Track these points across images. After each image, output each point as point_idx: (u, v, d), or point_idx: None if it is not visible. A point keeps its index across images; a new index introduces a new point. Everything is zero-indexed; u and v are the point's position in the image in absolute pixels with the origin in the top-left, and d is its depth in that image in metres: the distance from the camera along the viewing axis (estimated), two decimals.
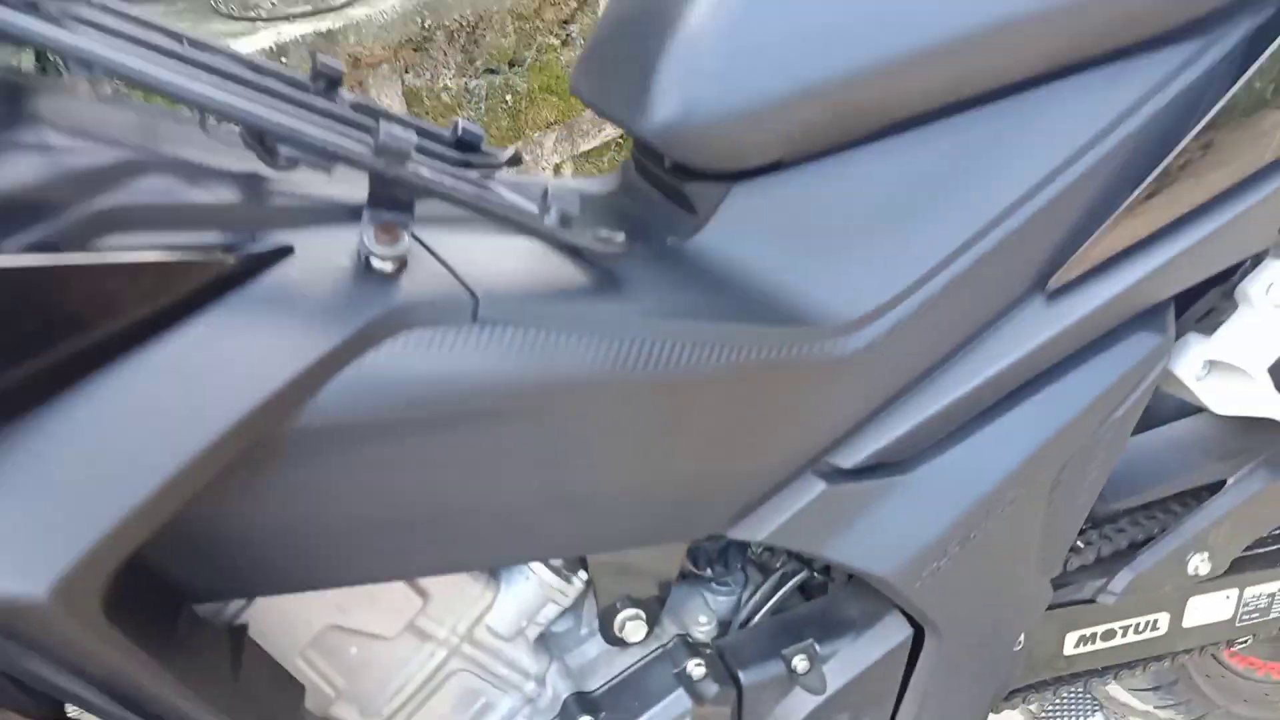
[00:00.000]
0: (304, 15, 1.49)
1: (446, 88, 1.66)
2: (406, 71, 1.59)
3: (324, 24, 1.46)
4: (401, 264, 0.51)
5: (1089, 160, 0.58)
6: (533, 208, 0.55)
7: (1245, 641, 0.92)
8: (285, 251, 0.49)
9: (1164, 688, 1.01)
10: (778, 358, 0.57)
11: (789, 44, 0.56)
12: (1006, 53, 0.57)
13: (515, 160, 0.61)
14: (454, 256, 0.54)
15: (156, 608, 0.48)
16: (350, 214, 0.53)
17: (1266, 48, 0.57)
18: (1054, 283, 0.61)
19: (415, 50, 1.59)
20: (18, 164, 0.46)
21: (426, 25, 1.59)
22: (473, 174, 0.54)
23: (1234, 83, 0.57)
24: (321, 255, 0.50)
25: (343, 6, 1.53)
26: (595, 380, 0.54)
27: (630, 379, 0.55)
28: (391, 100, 1.56)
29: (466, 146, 0.61)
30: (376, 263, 0.50)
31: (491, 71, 1.73)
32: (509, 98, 1.77)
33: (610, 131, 1.97)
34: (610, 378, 0.54)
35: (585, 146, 1.94)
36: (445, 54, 1.65)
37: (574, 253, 0.57)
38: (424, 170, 0.51)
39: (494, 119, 1.75)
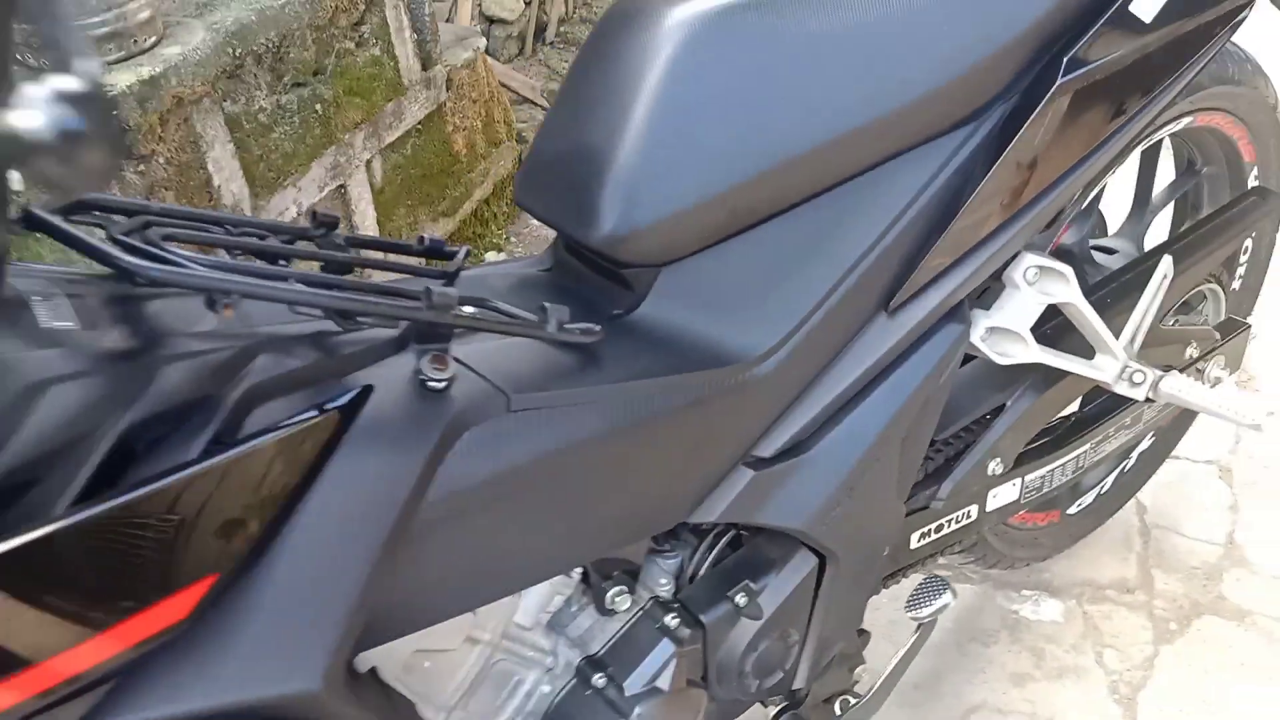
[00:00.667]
0: (120, 61, 1.52)
1: (262, 109, 1.73)
2: (225, 100, 1.65)
3: (144, 70, 1.50)
4: (451, 381, 0.68)
5: (907, 217, 0.82)
6: (534, 318, 0.73)
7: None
8: (368, 390, 0.65)
9: (979, 557, 1.33)
10: (716, 391, 0.79)
11: (694, 167, 0.76)
12: (845, 155, 0.79)
13: (468, 254, 0.78)
14: (483, 365, 0.71)
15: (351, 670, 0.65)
16: (395, 347, 0.69)
17: (1018, 129, 0.82)
18: (893, 304, 0.85)
19: (230, 78, 1.65)
20: (170, 372, 0.59)
21: (237, 53, 1.64)
22: (492, 304, 0.71)
23: (1000, 153, 0.82)
24: (393, 387, 0.66)
25: (151, 47, 1.56)
26: (596, 436, 0.74)
27: (620, 429, 0.74)
28: (216, 130, 1.62)
29: (433, 252, 0.78)
30: (433, 385, 0.67)
31: (299, 85, 1.80)
32: (318, 106, 1.84)
33: (409, 121, 2.08)
34: (607, 432, 0.74)
35: (389, 139, 2.04)
36: (256, 76, 1.71)
37: (565, 345, 0.75)
38: (465, 310, 0.68)
39: (308, 129, 1.82)
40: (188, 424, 0.57)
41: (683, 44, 0.75)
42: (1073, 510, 1.43)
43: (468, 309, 0.68)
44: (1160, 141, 1.21)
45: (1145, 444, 1.46)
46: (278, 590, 0.57)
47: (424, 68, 2.07)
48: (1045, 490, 1.14)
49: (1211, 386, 1.22)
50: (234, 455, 0.56)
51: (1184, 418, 1.48)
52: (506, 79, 2.48)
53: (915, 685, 1.37)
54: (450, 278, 0.72)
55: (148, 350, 0.58)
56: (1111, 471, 1.45)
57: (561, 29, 2.89)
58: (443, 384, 0.67)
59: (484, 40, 2.29)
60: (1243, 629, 1.42)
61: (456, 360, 0.70)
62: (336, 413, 0.62)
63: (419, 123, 2.11)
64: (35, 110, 0.45)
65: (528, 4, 2.72)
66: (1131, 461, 1.47)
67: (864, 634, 1.08)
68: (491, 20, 2.63)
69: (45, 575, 0.49)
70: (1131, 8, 0.83)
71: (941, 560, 1.21)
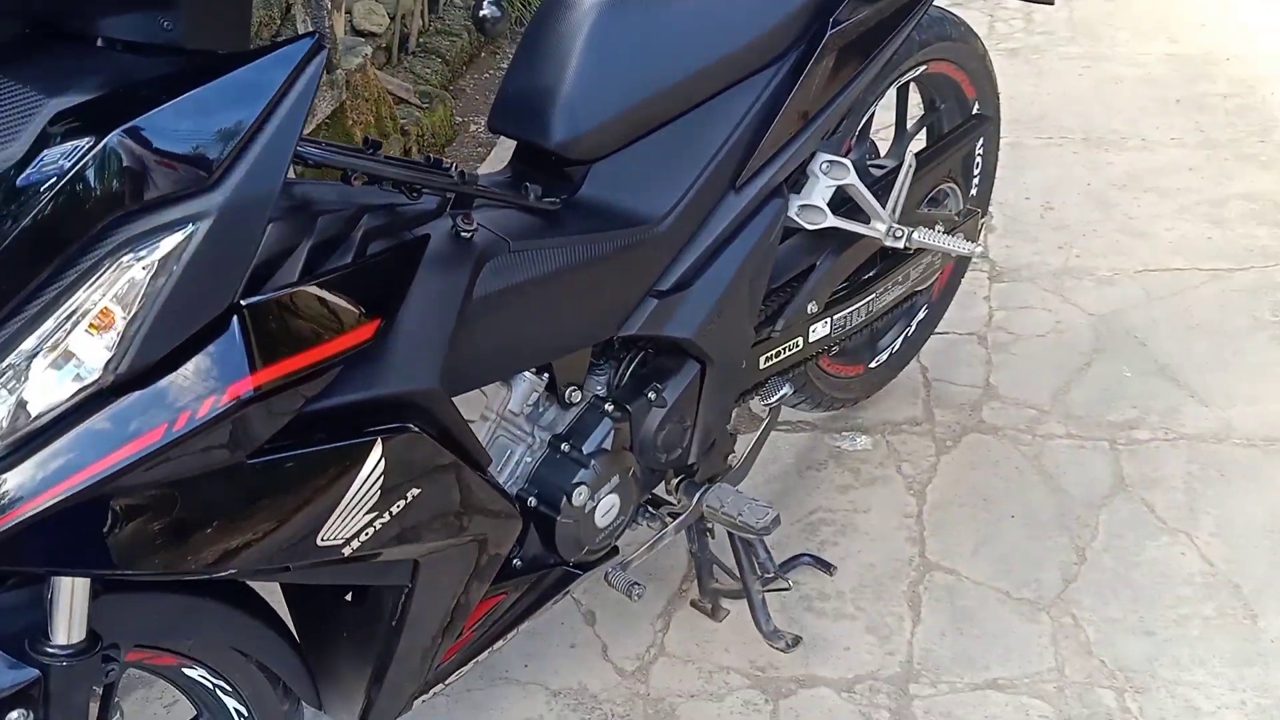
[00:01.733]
0: None
1: None
2: None
3: None
4: (474, 232, 1.10)
5: (745, 123, 1.29)
6: (520, 193, 1.15)
7: (834, 351, 1.73)
8: (427, 238, 1.06)
9: (798, 391, 1.81)
10: (630, 242, 1.23)
11: (613, 91, 1.20)
12: (707, 81, 1.25)
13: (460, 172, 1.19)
14: (492, 225, 1.13)
15: None
16: (438, 213, 1.10)
17: (806, 64, 1.29)
18: (739, 183, 1.31)
19: None
20: (328, 218, 0.98)
21: None
22: (495, 179, 1.13)
23: (797, 79, 1.29)
24: (442, 236, 1.07)
25: None
26: (560, 269, 1.17)
27: (573, 266, 1.18)
28: None
29: (435, 164, 1.19)
30: (464, 234, 1.09)
31: None
32: None
33: (319, 117, 2.43)
34: (565, 267, 1.17)
35: (305, 131, 2.39)
36: None
37: (537, 211, 1.18)
38: (480, 183, 1.10)
39: None
40: (344, 242, 0.97)
41: (607, 7, 1.19)
42: (873, 364, 1.94)
43: (484, 184, 1.11)
44: (908, 84, 1.72)
45: (921, 314, 1.98)
46: (409, 335, 0.98)
47: (328, 71, 2.43)
48: (848, 328, 1.63)
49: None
50: (374, 261, 0.97)
51: (946, 296, 2.02)
52: (385, 82, 2.84)
53: (769, 501, 1.84)
54: (464, 174, 1.14)
55: (314, 204, 0.98)
56: (899, 336, 1.97)
57: (421, 40, 3.26)
58: (470, 234, 1.09)
59: (370, 48, 2.66)
60: (996, 439, 1.96)
61: (478, 221, 1.11)
62: (415, 245, 1.03)
63: (326, 118, 2.47)
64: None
65: (391, 18, 3.09)
66: (913, 328, 1.99)
67: (734, 435, 1.54)
68: (360, 33, 2.97)
69: (306, 310, 0.88)
70: None
71: (783, 389, 1.67)
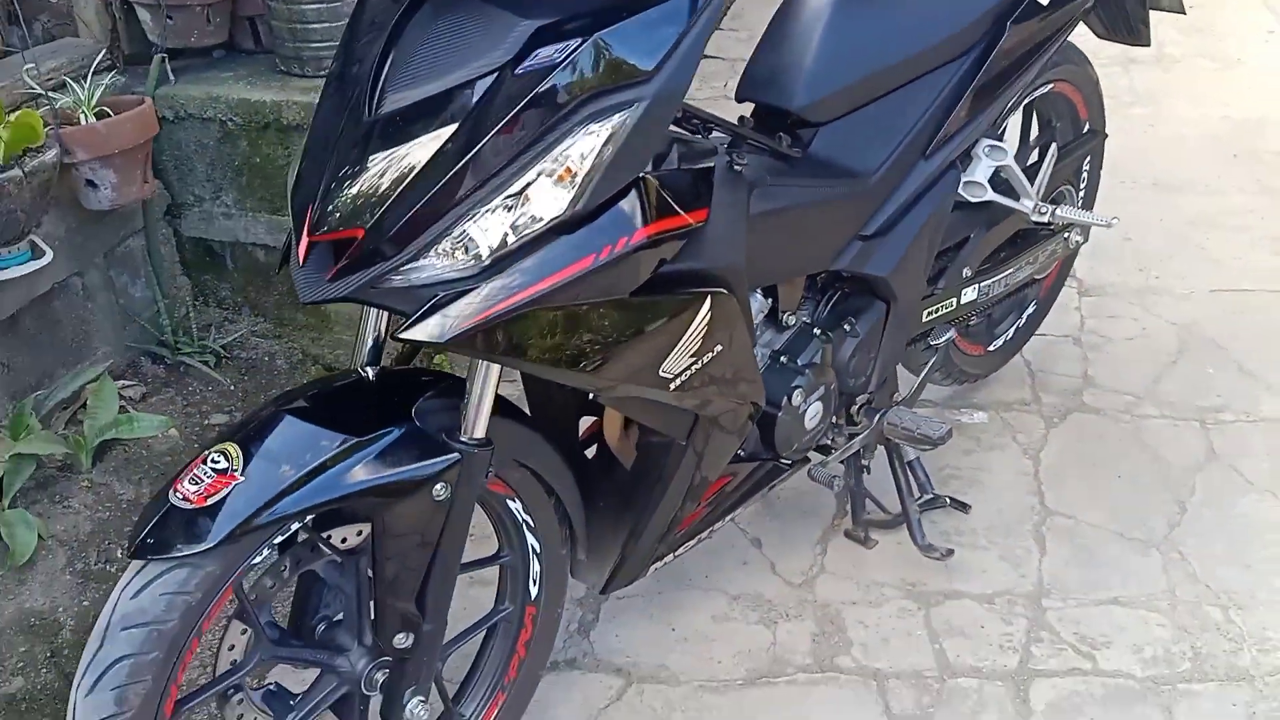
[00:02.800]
0: None
1: None
2: None
3: None
4: (746, 166, 1.41)
5: (937, 103, 1.61)
6: (776, 141, 1.47)
7: (972, 322, 2.03)
8: (713, 164, 1.37)
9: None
10: (847, 190, 1.54)
11: (841, 68, 1.52)
12: (916, 64, 1.57)
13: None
14: (756, 167, 1.44)
15: None
16: (713, 152, 1.41)
17: (985, 60, 1.62)
18: (928, 152, 1.62)
19: None
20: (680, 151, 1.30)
21: None
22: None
23: (978, 73, 1.62)
24: (722, 167, 1.38)
25: None
26: (800, 204, 1.48)
27: (808, 204, 1.49)
28: None
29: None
30: (738, 167, 1.40)
31: None
32: None
33: None
34: (803, 203, 1.48)
35: None
36: None
37: (785, 157, 1.49)
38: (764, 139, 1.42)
39: None
40: (666, 158, 1.28)
41: (838, 4, 1.52)
42: (991, 348, 2.24)
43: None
44: (1034, 102, 2.05)
45: (1030, 309, 2.28)
46: (721, 228, 1.28)
47: None
48: (991, 296, 1.94)
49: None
50: (695, 170, 1.28)
51: (1050, 295, 2.32)
52: None
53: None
54: (743, 119, 1.45)
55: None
56: (1011, 326, 2.27)
57: None
58: (742, 169, 1.40)
59: None
60: (1098, 417, 2.24)
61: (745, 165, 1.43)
62: (712, 165, 1.34)
63: None
64: None
65: None
66: (1023, 320, 2.29)
67: (897, 384, 1.84)
68: None
69: (673, 188, 1.19)
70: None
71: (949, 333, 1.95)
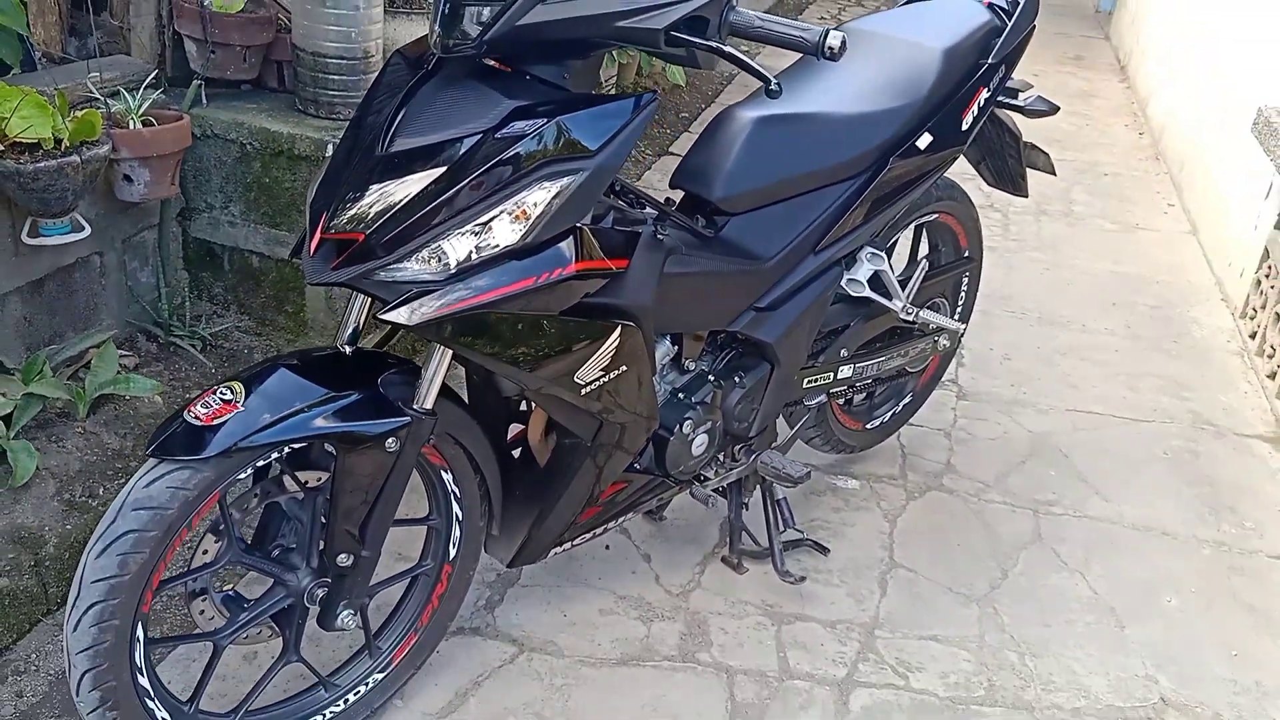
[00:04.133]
0: None
1: None
2: None
3: None
4: (667, 236, 1.79)
5: (827, 213, 2.01)
6: (694, 221, 1.86)
7: (846, 401, 2.42)
8: (639, 230, 1.75)
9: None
10: (747, 270, 1.93)
11: (760, 172, 1.92)
12: (813, 179, 1.97)
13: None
14: (674, 234, 1.83)
15: None
16: (642, 220, 1.80)
17: (868, 186, 2.03)
18: (818, 249, 2.03)
19: None
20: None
21: None
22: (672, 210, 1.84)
23: (860, 194, 2.03)
24: (648, 233, 1.77)
25: None
26: (704, 271, 1.86)
27: (711, 274, 1.87)
28: None
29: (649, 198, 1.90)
30: (660, 236, 1.78)
31: None
32: None
33: None
34: (707, 275, 1.87)
35: None
36: None
37: (700, 235, 1.88)
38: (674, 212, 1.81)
39: None
40: (605, 217, 1.66)
41: (759, 120, 1.92)
42: (869, 426, 2.63)
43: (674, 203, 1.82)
44: (923, 226, 2.48)
45: (907, 398, 2.68)
46: (637, 277, 1.65)
47: None
48: (863, 376, 2.33)
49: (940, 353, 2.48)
50: (624, 230, 1.65)
51: (926, 390, 2.73)
52: None
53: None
54: (669, 200, 1.84)
55: None
56: (890, 410, 2.66)
57: None
58: (664, 237, 1.78)
59: None
60: (951, 497, 2.63)
61: (669, 231, 1.81)
62: (638, 230, 1.72)
63: None
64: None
65: None
66: (900, 407, 2.68)
67: (775, 432, 2.21)
68: None
69: (601, 241, 1.56)
70: (918, 142, 2.07)
71: (820, 398, 2.33)
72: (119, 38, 2.65)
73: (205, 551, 1.56)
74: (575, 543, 1.97)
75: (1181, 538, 2.56)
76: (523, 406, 1.90)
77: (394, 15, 2.71)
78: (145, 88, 2.30)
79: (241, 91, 2.65)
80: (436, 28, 1.52)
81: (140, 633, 1.48)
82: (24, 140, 1.95)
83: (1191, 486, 2.75)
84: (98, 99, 2.22)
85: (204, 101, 2.53)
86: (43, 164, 1.95)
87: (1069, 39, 7.31)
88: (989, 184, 2.59)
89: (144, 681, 1.50)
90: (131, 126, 2.21)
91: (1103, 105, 5.96)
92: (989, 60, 2.18)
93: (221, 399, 1.47)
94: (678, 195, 1.98)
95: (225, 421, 1.45)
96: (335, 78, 2.52)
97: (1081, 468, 2.79)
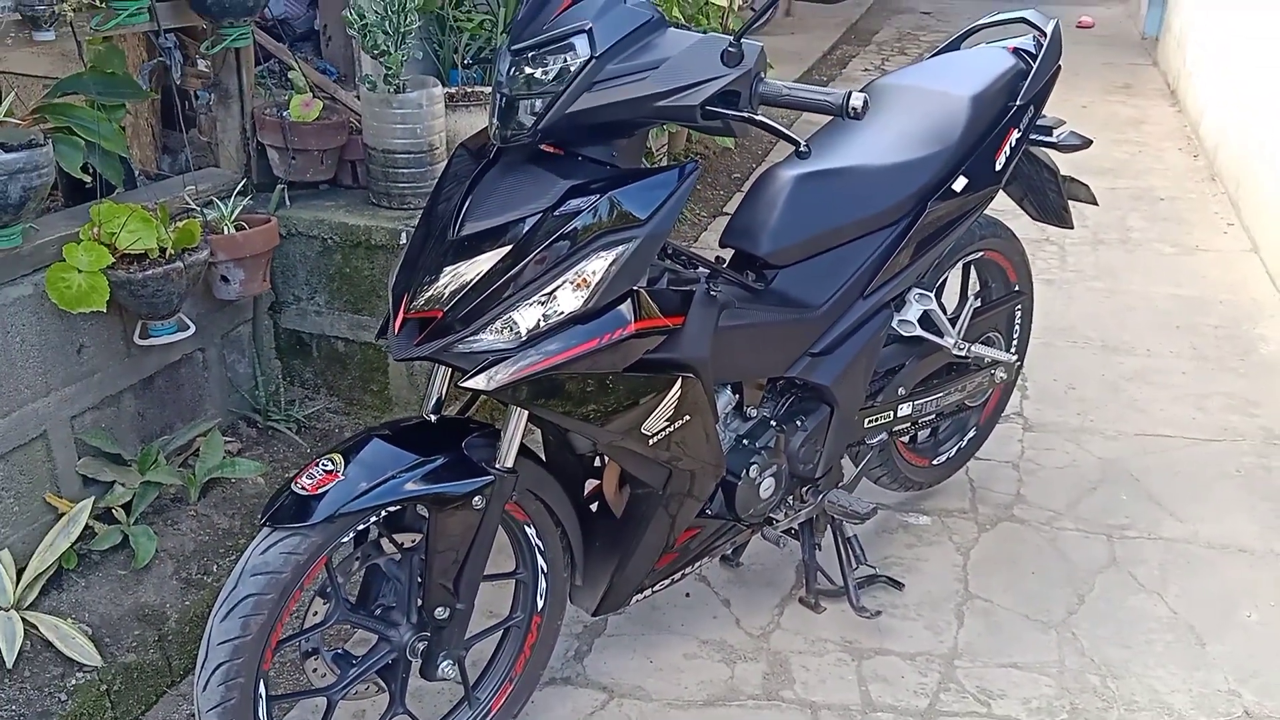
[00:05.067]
0: None
1: None
2: None
3: None
4: (721, 292, 1.91)
5: (873, 258, 2.11)
6: (744, 277, 1.98)
7: (911, 438, 2.50)
8: (694, 290, 1.88)
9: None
10: (800, 319, 2.04)
11: (803, 227, 2.04)
12: (859, 228, 2.09)
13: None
14: (726, 290, 1.95)
15: None
16: (696, 280, 1.92)
17: (910, 229, 2.14)
18: (866, 293, 2.13)
19: None
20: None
21: None
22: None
23: (904, 238, 2.13)
24: (701, 291, 1.89)
25: None
26: (761, 324, 1.98)
27: (768, 326, 1.99)
28: None
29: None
30: (714, 293, 1.91)
31: None
32: None
33: None
34: (764, 326, 1.98)
35: None
36: None
37: (750, 289, 2.00)
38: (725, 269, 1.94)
39: None
40: (660, 279, 1.79)
41: (801, 179, 2.04)
42: (935, 462, 2.70)
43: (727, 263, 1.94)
44: (970, 264, 2.57)
45: (971, 433, 2.75)
46: (693, 332, 1.77)
47: None
48: (923, 413, 2.40)
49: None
50: (680, 289, 1.78)
51: (989, 424, 2.79)
52: None
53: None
54: (720, 259, 1.97)
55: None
56: (954, 446, 2.73)
57: None
58: (717, 294, 1.90)
59: None
60: (1023, 526, 2.67)
61: (721, 287, 1.93)
62: (693, 289, 1.84)
63: None
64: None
65: None
66: (964, 442, 2.75)
67: (842, 474, 2.29)
68: None
69: (657, 302, 1.69)
70: (954, 185, 2.18)
71: (881, 435, 2.41)
72: (207, 151, 2.88)
73: (315, 613, 1.70)
74: (655, 589, 2.07)
75: (1258, 552, 2.57)
76: (597, 462, 2.03)
77: (454, 109, 2.91)
78: (235, 195, 2.51)
79: (320, 191, 2.86)
80: (494, 120, 1.68)
81: (263, 690, 1.61)
82: (132, 251, 2.15)
83: (1266, 501, 2.76)
84: (194, 209, 2.43)
85: (287, 203, 2.74)
86: (150, 272, 2.15)
87: (1116, 68, 7.35)
88: (1034, 218, 2.68)
89: None
90: (225, 232, 2.41)
91: (1154, 131, 5.98)
92: (1017, 102, 2.28)
93: (324, 470, 1.62)
94: (728, 253, 2.10)
95: (328, 490, 1.59)
96: (404, 170, 2.72)
97: (1153, 490, 2.82)
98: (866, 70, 7.35)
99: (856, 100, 1.58)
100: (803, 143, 1.60)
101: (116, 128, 2.34)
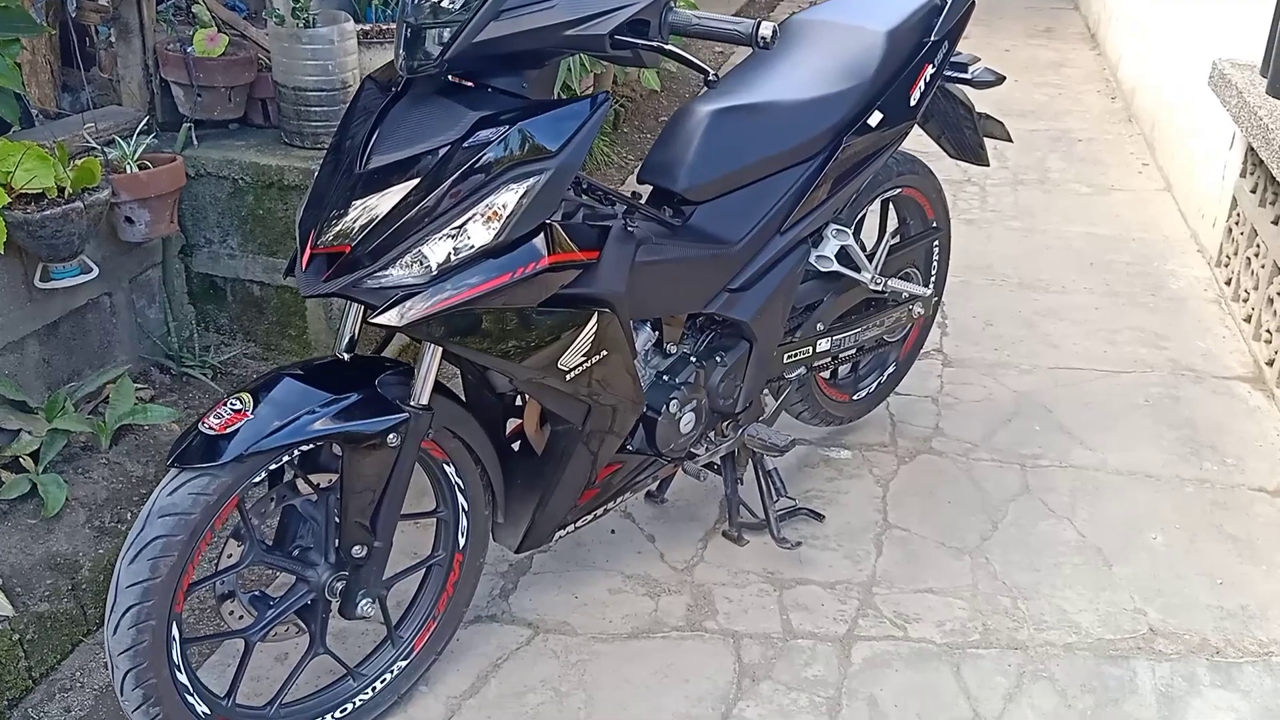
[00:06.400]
0: None
1: None
2: None
3: None
4: (637, 228, 1.91)
5: (790, 193, 2.12)
6: (661, 212, 1.97)
7: (830, 373, 2.53)
8: (610, 224, 1.87)
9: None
10: (716, 255, 2.04)
11: (720, 160, 2.03)
12: (774, 162, 2.08)
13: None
14: (644, 226, 1.95)
15: None
16: (613, 215, 1.91)
17: (828, 162, 2.14)
18: (783, 229, 2.14)
19: None
20: None
21: None
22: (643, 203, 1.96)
23: (821, 171, 2.14)
24: (619, 227, 1.88)
25: None
26: (678, 261, 1.98)
27: (684, 261, 1.99)
28: None
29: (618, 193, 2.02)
30: (630, 229, 1.90)
31: None
32: None
33: None
34: (680, 260, 1.98)
35: None
36: None
37: (668, 225, 1.99)
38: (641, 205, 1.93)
39: None
40: (576, 214, 1.77)
41: (716, 114, 2.03)
42: (855, 397, 2.74)
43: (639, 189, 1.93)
44: (889, 201, 2.59)
45: (890, 368, 2.79)
46: (609, 268, 1.76)
47: None
48: (842, 348, 2.43)
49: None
50: (596, 224, 1.77)
51: (909, 359, 2.83)
52: None
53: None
54: (635, 194, 1.96)
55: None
56: (874, 381, 2.77)
57: None
58: (633, 230, 1.89)
59: None
60: (940, 459, 2.73)
61: (638, 223, 1.92)
62: (610, 224, 1.83)
63: None
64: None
65: None
66: (884, 378, 2.79)
67: (761, 406, 2.32)
68: None
69: (571, 235, 1.68)
70: (869, 120, 2.19)
71: (799, 370, 2.44)
72: (109, 90, 2.78)
73: (230, 555, 1.68)
74: (578, 525, 2.08)
75: (1164, 478, 2.66)
76: (518, 401, 2.02)
77: (368, 46, 2.83)
78: (138, 134, 2.42)
79: (229, 130, 2.78)
80: (401, 51, 1.64)
81: (175, 632, 1.59)
82: (29, 191, 2.07)
83: (1173, 430, 2.85)
84: (95, 148, 2.34)
85: (195, 143, 2.66)
86: (49, 212, 2.07)
87: (1039, 12, 7.41)
88: (951, 156, 2.70)
89: (183, 678, 1.62)
90: (128, 171, 2.33)
91: (1074, 74, 6.06)
92: (931, 38, 2.29)
93: (232, 409, 1.59)
94: (646, 190, 2.09)
95: (237, 429, 1.56)
96: (317, 109, 2.65)
97: (1065, 421, 2.89)
98: (794, 12, 7.32)
99: (765, 30, 1.57)
100: (712, 72, 1.59)
101: (11, 64, 2.24)
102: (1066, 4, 7.76)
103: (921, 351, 2.92)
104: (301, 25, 2.57)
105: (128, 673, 1.55)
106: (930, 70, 2.30)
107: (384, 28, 3.08)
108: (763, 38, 1.56)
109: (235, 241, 2.71)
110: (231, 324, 2.80)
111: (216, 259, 2.74)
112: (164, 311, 2.65)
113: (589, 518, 2.09)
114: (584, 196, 1.85)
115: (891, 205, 2.64)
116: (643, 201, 2.03)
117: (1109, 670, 2.10)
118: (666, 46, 1.60)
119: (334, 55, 2.61)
